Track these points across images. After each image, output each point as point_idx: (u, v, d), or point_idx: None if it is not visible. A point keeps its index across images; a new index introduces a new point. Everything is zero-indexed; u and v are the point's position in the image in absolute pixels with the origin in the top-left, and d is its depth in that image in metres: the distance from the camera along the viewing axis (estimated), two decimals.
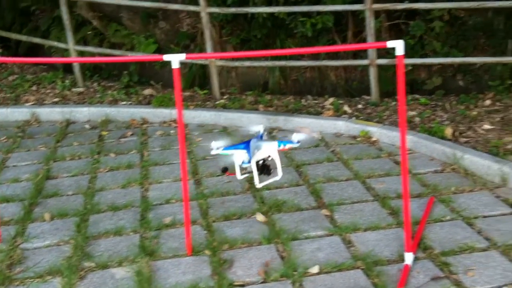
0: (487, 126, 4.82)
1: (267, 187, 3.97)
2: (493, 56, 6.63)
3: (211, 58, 6.36)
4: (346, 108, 5.63)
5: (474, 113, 5.23)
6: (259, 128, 3.33)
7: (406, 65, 6.63)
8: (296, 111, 5.63)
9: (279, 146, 3.24)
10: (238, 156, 3.14)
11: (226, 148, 3.22)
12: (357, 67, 6.78)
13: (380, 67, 6.04)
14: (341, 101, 5.95)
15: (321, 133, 5.15)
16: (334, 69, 6.92)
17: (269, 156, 3.22)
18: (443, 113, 5.33)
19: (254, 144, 3.17)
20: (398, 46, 2.74)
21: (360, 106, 5.79)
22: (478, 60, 6.32)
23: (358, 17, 6.48)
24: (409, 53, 6.83)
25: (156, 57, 3.19)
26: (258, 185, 3.18)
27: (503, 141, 4.41)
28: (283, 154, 4.63)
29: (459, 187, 3.86)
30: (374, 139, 4.89)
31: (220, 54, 5.91)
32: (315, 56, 6.84)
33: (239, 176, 3.22)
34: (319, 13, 6.44)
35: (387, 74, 6.67)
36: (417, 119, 5.17)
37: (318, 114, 5.53)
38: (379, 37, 6.75)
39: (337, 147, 4.78)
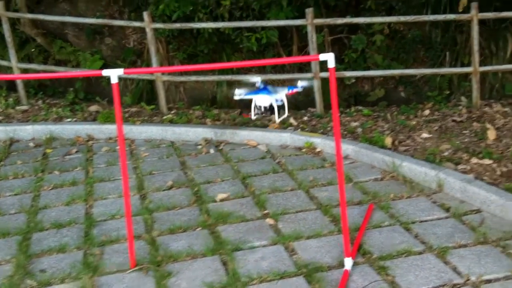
0: (425, 135, 5.02)
1: (213, 200, 4.04)
2: (432, 67, 6.93)
3: (151, 72, 6.36)
4: (292, 120, 5.74)
5: (414, 122, 5.44)
6: (257, 79, 3.90)
7: (349, 78, 6.86)
8: (243, 125, 5.70)
9: (288, 90, 3.85)
10: (259, 99, 3.71)
11: (248, 93, 3.73)
12: (302, 80, 6.94)
13: (325, 80, 6.20)
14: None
15: (267, 145, 5.23)
16: (281, 82, 7.05)
17: (281, 99, 3.87)
18: (384, 123, 5.51)
19: (272, 89, 3.81)
20: (330, 58, 2.85)
21: (305, 118, 5.92)
22: (417, 72, 6.59)
23: (302, 32, 6.66)
24: (352, 66, 7.08)
25: (94, 72, 3.19)
26: (278, 120, 3.66)
27: (440, 149, 4.60)
28: (230, 167, 4.72)
29: (398, 194, 4.01)
30: (318, 149, 5.01)
31: (160, 68, 5.94)
32: (262, 70, 6.97)
33: (253, 116, 3.70)
34: (263, 28, 6.58)
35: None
36: (359, 130, 5.33)
37: (264, 126, 5.62)
38: (322, 51, 6.93)
39: (282, 159, 4.87)
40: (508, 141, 4.69)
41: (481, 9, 5.97)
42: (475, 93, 5.88)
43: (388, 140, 4.81)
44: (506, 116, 5.44)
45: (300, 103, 7.02)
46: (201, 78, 6.52)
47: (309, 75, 6.15)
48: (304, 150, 5.06)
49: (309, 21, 5.79)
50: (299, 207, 3.89)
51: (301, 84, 3.82)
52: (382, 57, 7.11)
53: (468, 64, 6.35)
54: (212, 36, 6.82)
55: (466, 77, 6.60)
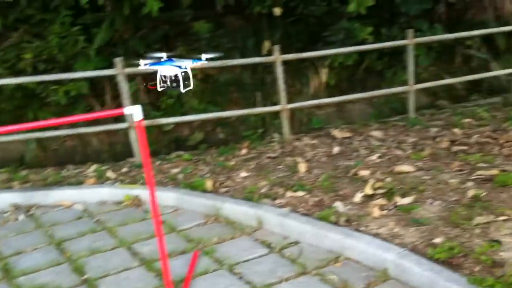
0: (243, 174, 5.15)
1: (24, 273, 3.64)
2: (245, 108, 7.21)
3: None
4: (110, 173, 5.50)
5: (232, 163, 5.55)
6: (162, 54, 3.64)
7: (168, 124, 6.82)
8: (56, 184, 5.31)
9: (193, 63, 3.62)
10: (164, 70, 3.49)
11: (153, 64, 3.49)
12: (118, 130, 6.73)
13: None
14: (105, 167, 5.81)
15: (84, 203, 4.91)
16: (95, 134, 6.76)
17: (183, 72, 3.58)
18: (204, 167, 5.55)
19: (177, 60, 3.57)
20: (136, 111, 2.80)
21: (125, 169, 5.71)
22: (231, 114, 6.81)
23: (114, 81, 6.49)
24: (169, 112, 7.07)
25: None
26: (183, 91, 3.48)
27: (257, 186, 4.74)
28: (43, 232, 4.33)
29: (221, 237, 4.00)
30: (139, 201, 4.84)
31: None
32: (74, 123, 6.61)
33: (159, 88, 3.43)
34: (72, 80, 6.29)
35: (149, 134, 6.75)
36: (180, 176, 5.28)
37: (80, 183, 5.29)
38: (137, 99, 6.83)
39: (101, 216, 4.60)
40: (317, 172, 5.00)
41: (284, 51, 6.40)
42: (286, 129, 6.23)
43: (208, 184, 4.83)
44: (314, 148, 5.83)
45: (119, 153, 6.78)
46: (5, 138, 5.95)
47: (124, 125, 5.98)
48: (124, 204, 4.85)
49: (119, 70, 5.67)
50: (121, 266, 3.67)
51: (205, 56, 3.77)
52: (198, 101, 7.22)
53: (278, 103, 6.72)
54: (15, 91, 6.32)
55: (277, 114, 6.98)
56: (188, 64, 3.95)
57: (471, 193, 4.13)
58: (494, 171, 4.52)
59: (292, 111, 7.33)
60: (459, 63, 8.75)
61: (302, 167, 5.11)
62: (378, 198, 4.21)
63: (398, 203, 4.09)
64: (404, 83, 7.18)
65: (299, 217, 3.98)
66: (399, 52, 7.65)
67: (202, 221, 4.34)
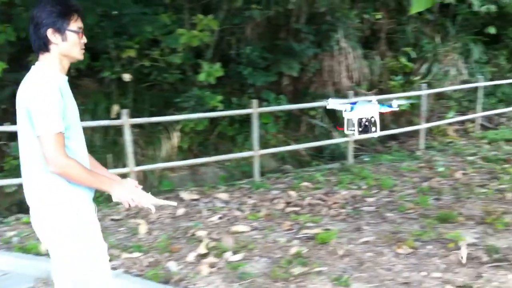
0: None
1: None
2: None
3: None
4: None
5: None
6: (372, 98, 3.60)
7: (10, 186, 6.59)
8: None
9: (380, 108, 3.49)
10: (348, 113, 3.41)
11: (341, 103, 3.38)
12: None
13: None
14: None
15: None
16: None
17: (372, 117, 3.44)
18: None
19: (361, 103, 3.47)
20: None
21: None
22: None
23: None
24: (14, 173, 6.85)
25: None
26: (357, 136, 3.39)
27: None
28: None
29: None
30: None
31: None
32: None
33: (346, 130, 3.38)
34: None
35: None
36: (15, 239, 5.10)
37: None
38: None
39: None
40: (157, 234, 5.12)
41: (137, 115, 6.58)
42: None
43: (42, 247, 4.72)
44: (160, 210, 5.95)
45: None
46: None
47: None
48: None
49: None
50: None
51: (397, 103, 3.56)
52: None
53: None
54: None
55: (127, 176, 7.05)
56: (374, 109, 3.77)
57: (294, 250, 4.50)
58: (317, 230, 4.97)
59: (145, 174, 7.44)
60: (304, 131, 9.54)
61: (143, 229, 5.20)
62: (210, 257, 4.41)
63: (228, 261, 4.33)
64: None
65: (130, 277, 4.04)
66: (249, 119, 8.18)
67: (31, 285, 4.22)
